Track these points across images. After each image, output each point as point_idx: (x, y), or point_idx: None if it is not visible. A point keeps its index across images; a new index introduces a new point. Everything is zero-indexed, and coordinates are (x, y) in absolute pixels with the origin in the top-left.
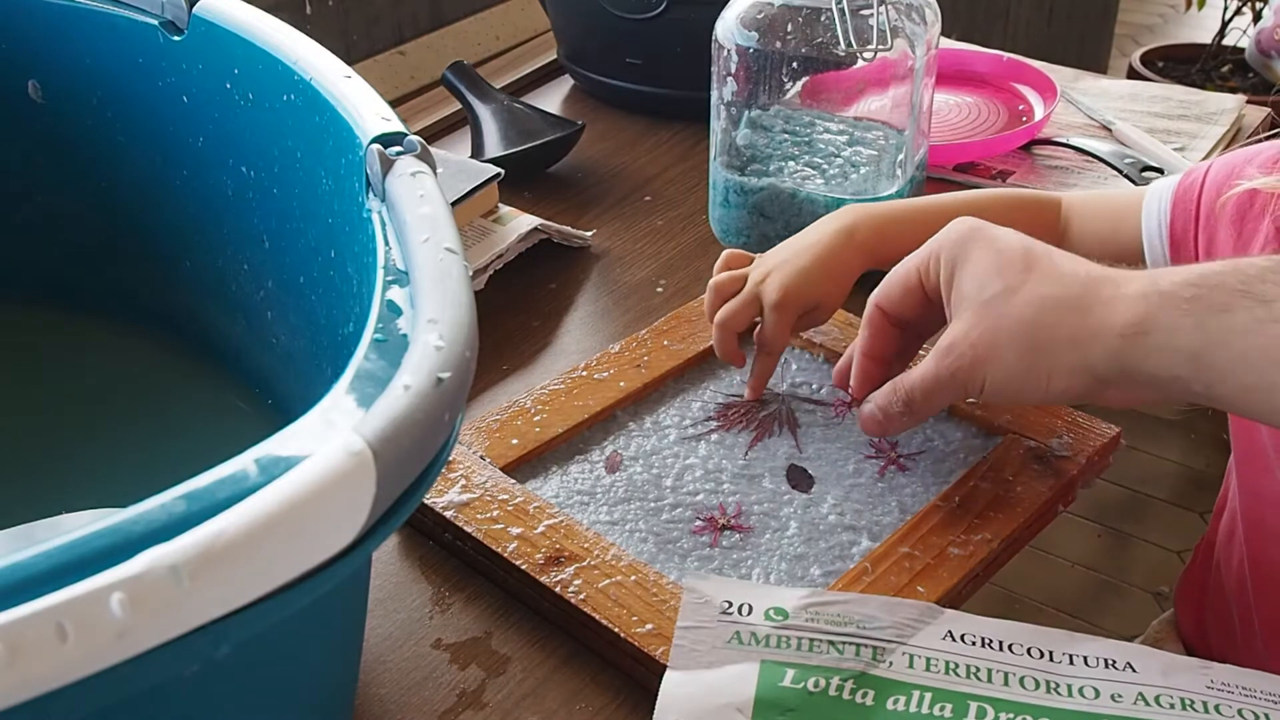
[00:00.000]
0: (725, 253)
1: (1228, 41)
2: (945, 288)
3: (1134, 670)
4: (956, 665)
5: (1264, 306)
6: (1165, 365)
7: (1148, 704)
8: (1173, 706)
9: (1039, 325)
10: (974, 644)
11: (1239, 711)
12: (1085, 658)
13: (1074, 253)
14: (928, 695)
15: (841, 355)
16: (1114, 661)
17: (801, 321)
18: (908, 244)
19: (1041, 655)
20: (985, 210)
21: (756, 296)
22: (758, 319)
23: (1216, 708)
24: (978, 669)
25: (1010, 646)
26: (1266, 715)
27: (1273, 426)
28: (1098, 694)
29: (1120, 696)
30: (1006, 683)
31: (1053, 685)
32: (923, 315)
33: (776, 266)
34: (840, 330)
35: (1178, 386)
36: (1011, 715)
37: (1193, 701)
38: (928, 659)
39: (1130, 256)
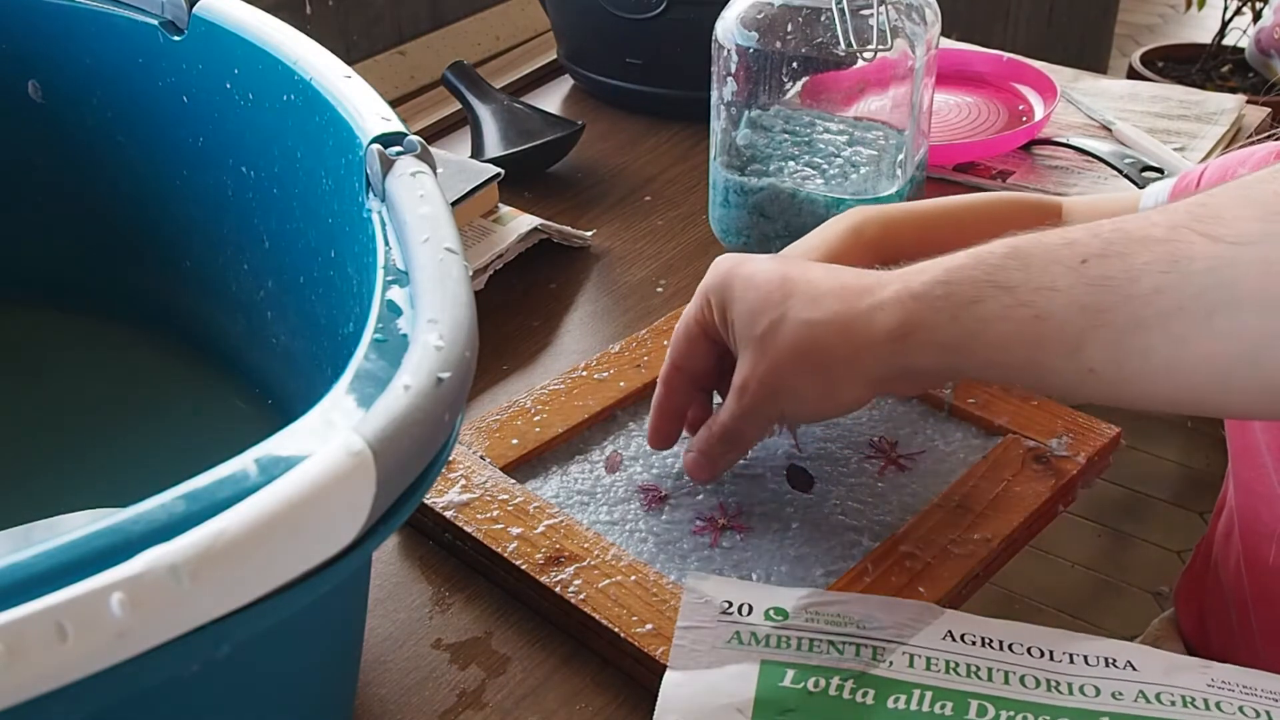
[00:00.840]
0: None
1: (1228, 41)
2: (723, 329)
3: (1134, 669)
4: (957, 664)
5: (1008, 293)
6: (934, 359)
7: (1148, 701)
8: (1174, 704)
9: (812, 350)
10: (974, 644)
11: (1240, 708)
12: (1085, 656)
13: None
14: (928, 694)
15: None
16: (1114, 660)
17: None
18: (914, 243)
19: (1042, 654)
20: (987, 213)
21: None
22: None
23: (1218, 705)
24: (978, 668)
25: (1010, 646)
26: (1268, 713)
27: (1044, 396)
28: (1098, 692)
29: (1121, 694)
30: (1007, 681)
31: (1053, 684)
32: (716, 360)
33: None
34: None
35: (951, 373)
36: (1012, 714)
37: (1193, 699)
38: (928, 658)
39: None
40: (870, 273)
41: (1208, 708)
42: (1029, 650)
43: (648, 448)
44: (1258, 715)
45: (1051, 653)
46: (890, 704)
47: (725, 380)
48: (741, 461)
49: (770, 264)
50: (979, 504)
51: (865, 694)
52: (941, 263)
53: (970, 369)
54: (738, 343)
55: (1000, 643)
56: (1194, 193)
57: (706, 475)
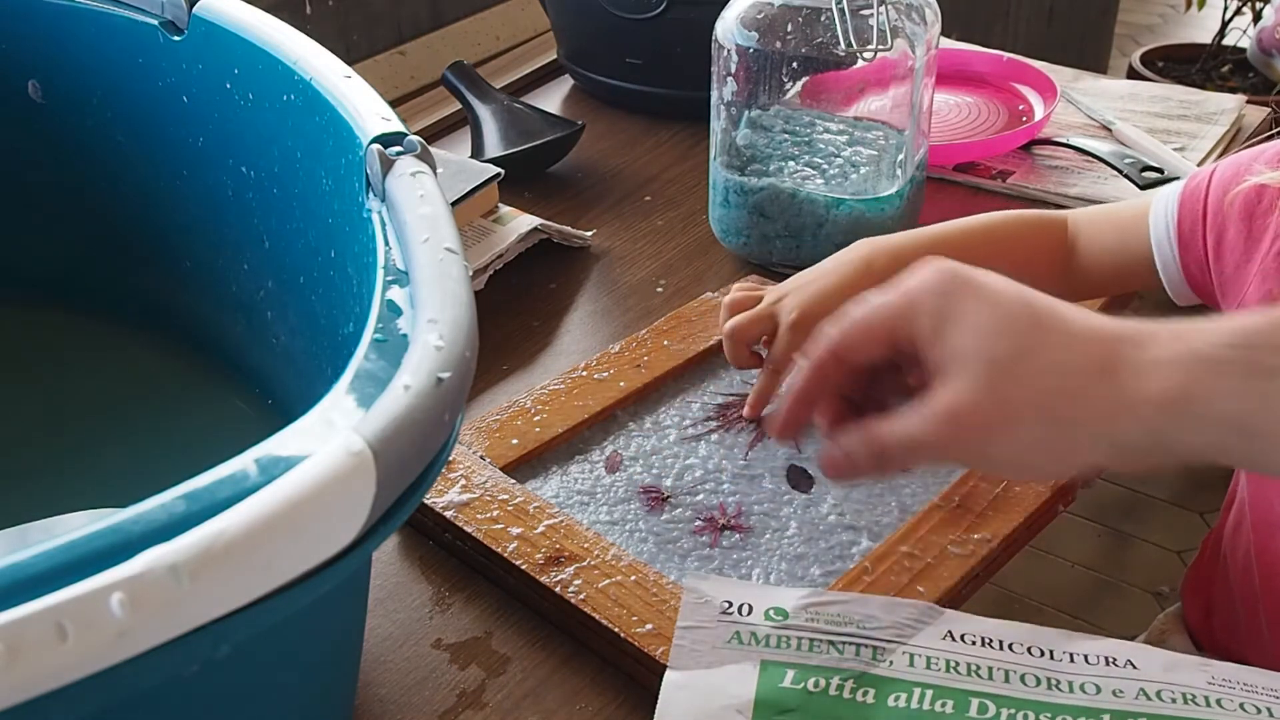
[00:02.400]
0: (736, 285)
1: (1228, 41)
2: (928, 342)
3: (1135, 667)
4: (957, 664)
5: None
6: (1206, 436)
7: (1149, 699)
8: (1174, 701)
9: (1061, 395)
10: (974, 643)
11: (1240, 705)
12: (1086, 655)
13: (1086, 268)
14: (928, 692)
15: None
16: (1114, 659)
17: None
18: None
19: (1042, 654)
20: (994, 235)
21: (772, 314)
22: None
23: (1219, 702)
24: (978, 667)
25: (1010, 645)
26: (1269, 710)
27: None
28: (1099, 690)
29: (1121, 692)
30: (1007, 680)
31: (1054, 682)
32: (877, 362)
33: (794, 290)
34: None
35: (1213, 454)
36: (1012, 711)
37: (1194, 696)
38: (928, 658)
39: (1140, 265)
40: (1127, 321)
41: (1209, 704)
42: (1029, 649)
43: (648, 447)
44: (1259, 712)
45: (1052, 652)
46: (890, 702)
47: (876, 387)
48: (741, 461)
49: (1011, 286)
50: (979, 504)
51: (865, 693)
52: (1228, 323)
53: (1243, 454)
54: (949, 361)
55: (1000, 642)
56: (1205, 190)
57: (838, 476)
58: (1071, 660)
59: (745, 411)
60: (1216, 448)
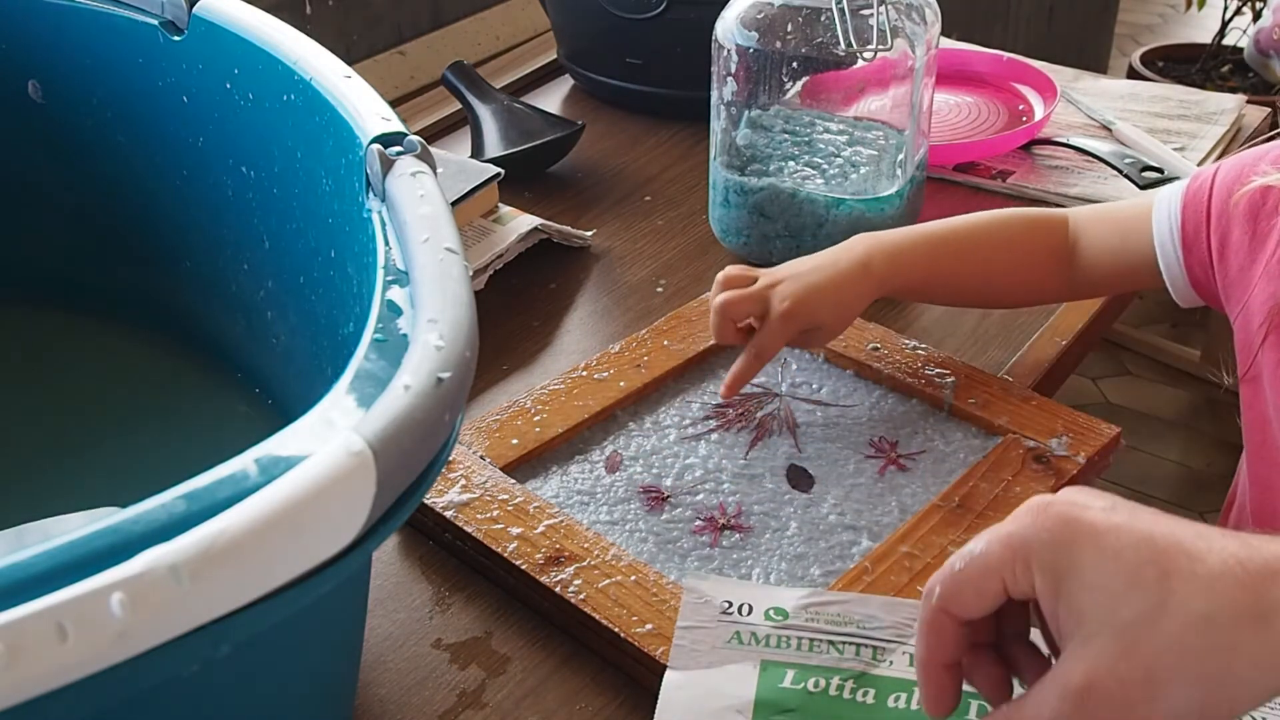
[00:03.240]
0: (729, 267)
1: (1228, 41)
2: (1048, 601)
3: None
4: None
5: None
6: None
7: None
8: None
9: (1210, 652)
10: None
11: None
12: None
13: (1087, 268)
14: None
15: (841, 356)
16: None
17: (800, 338)
18: (923, 274)
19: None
20: (994, 236)
21: (765, 296)
22: (752, 321)
23: None
24: None
25: None
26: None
27: None
28: None
29: None
30: None
31: None
32: (994, 612)
33: (790, 277)
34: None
35: None
36: None
37: None
38: None
39: (1142, 265)
40: (1263, 542)
41: None
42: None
43: (648, 447)
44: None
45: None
46: (891, 703)
47: (1008, 622)
48: (741, 461)
49: (1125, 522)
50: (979, 504)
51: (865, 693)
52: None
53: None
54: (1077, 626)
55: None
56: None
57: None
58: None
59: (721, 391)
60: None
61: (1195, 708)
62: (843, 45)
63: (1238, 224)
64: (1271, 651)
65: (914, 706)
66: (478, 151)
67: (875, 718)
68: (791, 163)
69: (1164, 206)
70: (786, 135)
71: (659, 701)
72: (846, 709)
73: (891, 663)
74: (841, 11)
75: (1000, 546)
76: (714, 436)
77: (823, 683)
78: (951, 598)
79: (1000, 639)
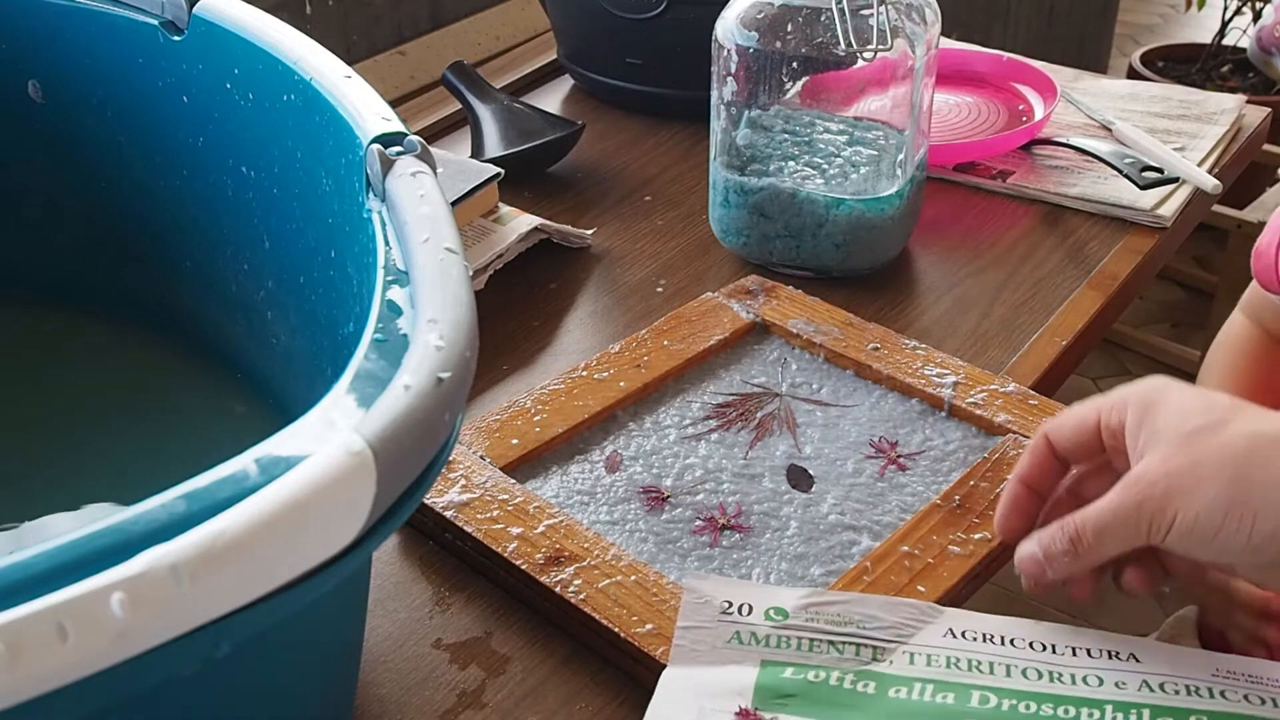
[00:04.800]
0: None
1: (1228, 41)
2: (1132, 432)
3: (1138, 661)
4: (958, 660)
5: None
6: None
7: (1152, 690)
8: (1177, 693)
9: (1251, 458)
10: (975, 639)
11: (1244, 696)
12: (1089, 649)
13: None
14: (929, 686)
15: (841, 356)
16: (1117, 653)
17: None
18: None
19: (1044, 648)
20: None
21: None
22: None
23: (1222, 693)
24: (979, 662)
25: (1012, 641)
26: (1274, 700)
27: None
28: (1101, 682)
29: (1124, 684)
30: (1009, 674)
31: (1055, 675)
32: (1087, 460)
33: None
34: (840, 330)
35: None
36: (1014, 701)
37: (1197, 688)
38: (929, 656)
39: None
40: None
41: (1212, 695)
42: (1030, 644)
43: (648, 447)
44: (1263, 703)
45: (1054, 646)
46: (891, 694)
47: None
48: (741, 461)
49: (1206, 391)
50: (979, 504)
51: (866, 685)
52: None
53: None
54: (1150, 440)
55: (1001, 638)
56: None
57: (1035, 574)
58: (1074, 654)
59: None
60: None
61: (1222, 506)
62: (843, 45)
63: None
64: None
65: (915, 697)
66: (478, 151)
67: (876, 705)
68: (791, 163)
69: None
70: (786, 135)
71: (656, 692)
72: (847, 697)
73: (892, 662)
74: (841, 11)
75: (1103, 397)
76: (714, 436)
77: (823, 674)
78: (1055, 425)
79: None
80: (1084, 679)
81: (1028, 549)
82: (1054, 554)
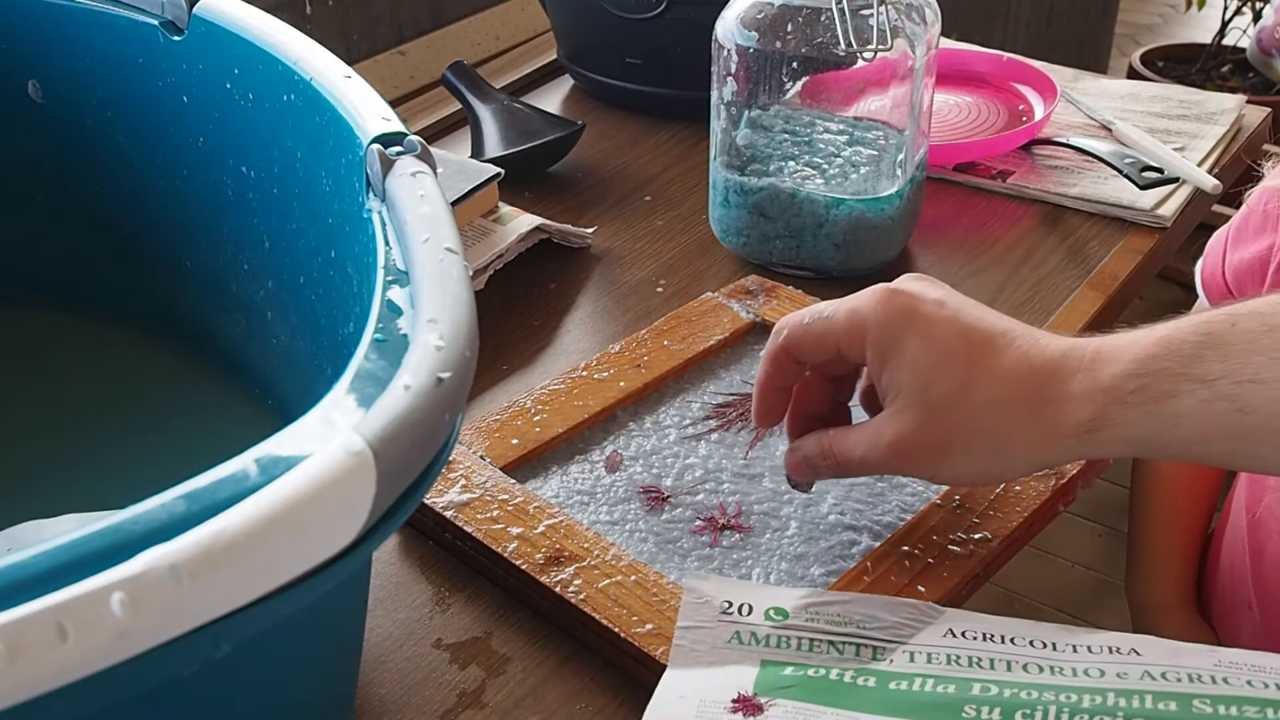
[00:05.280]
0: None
1: (1228, 41)
2: (874, 371)
3: (1139, 654)
4: (958, 657)
5: (1207, 387)
6: (1120, 452)
7: (1154, 679)
8: (1179, 680)
9: (991, 431)
10: (975, 638)
11: (1247, 681)
12: (1089, 646)
13: None
14: (929, 680)
15: None
16: (1118, 648)
17: None
18: None
19: (1044, 646)
20: None
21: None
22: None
23: (1225, 679)
24: (979, 659)
25: (1012, 639)
26: (1278, 685)
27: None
28: (1103, 673)
29: (1125, 674)
30: (1010, 669)
31: (1056, 669)
32: (830, 366)
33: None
34: None
35: (1132, 458)
36: (1015, 691)
37: (1199, 675)
38: (929, 654)
39: None
40: (1052, 341)
41: (1214, 682)
42: (1031, 643)
43: (648, 447)
44: (1265, 687)
45: (1054, 644)
46: (892, 686)
47: (840, 384)
48: (741, 461)
49: (949, 313)
50: (979, 504)
51: (866, 680)
52: (1129, 349)
53: (1160, 458)
54: (893, 394)
55: (1002, 636)
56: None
57: (805, 479)
58: (1074, 651)
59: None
60: (1129, 455)
61: (974, 471)
62: (843, 45)
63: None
64: (1037, 435)
65: (915, 688)
66: (478, 151)
67: (876, 696)
68: (791, 163)
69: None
70: (786, 135)
71: (656, 692)
72: (846, 688)
73: (892, 661)
74: (841, 11)
75: (844, 318)
76: (714, 436)
77: (823, 671)
78: (795, 343)
79: (829, 408)
80: (1085, 672)
81: (796, 458)
82: (819, 471)
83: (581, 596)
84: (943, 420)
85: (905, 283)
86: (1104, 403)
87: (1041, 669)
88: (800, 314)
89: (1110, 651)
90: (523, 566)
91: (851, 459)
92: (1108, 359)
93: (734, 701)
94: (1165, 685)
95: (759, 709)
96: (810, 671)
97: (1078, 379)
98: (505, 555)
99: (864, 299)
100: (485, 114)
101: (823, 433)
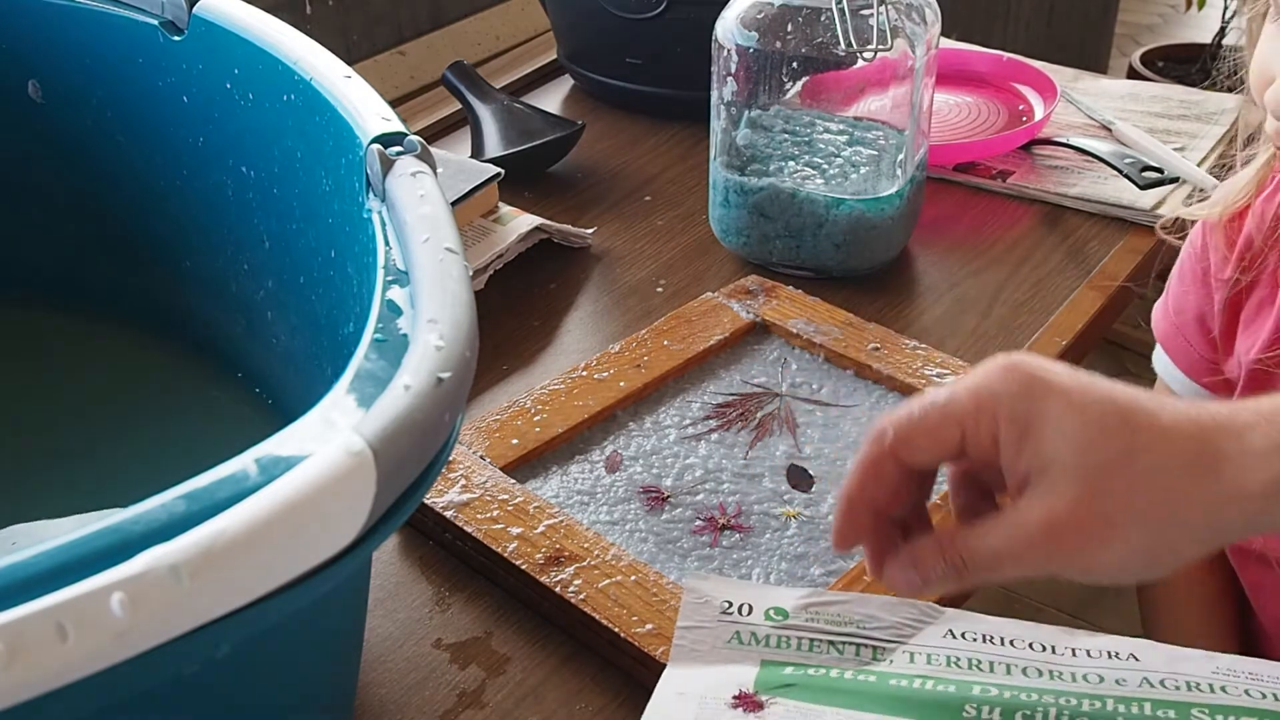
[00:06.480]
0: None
1: (1228, 41)
2: (1010, 449)
3: (1137, 660)
4: (957, 659)
5: None
6: None
7: (1152, 686)
8: (1178, 688)
9: (1166, 497)
10: (975, 640)
11: (1245, 691)
12: (1088, 650)
13: None
14: (929, 681)
15: (841, 356)
16: (1117, 653)
17: None
18: None
19: (1044, 649)
20: None
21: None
22: None
23: (1223, 688)
24: (979, 661)
25: (1011, 641)
26: (1275, 694)
27: None
28: (1102, 679)
29: (1124, 681)
30: (1009, 673)
31: (1055, 673)
32: (941, 463)
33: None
34: (840, 330)
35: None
36: (1015, 692)
37: (1198, 684)
38: (928, 655)
39: None
40: (1215, 406)
41: (1213, 690)
42: (1030, 645)
43: (648, 447)
44: (1264, 697)
45: (1054, 647)
46: (891, 684)
47: (916, 499)
48: (741, 461)
49: (1087, 380)
50: None
51: (866, 678)
52: None
53: None
54: (1042, 471)
55: (1001, 639)
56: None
57: (911, 589)
58: (1073, 654)
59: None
60: None
61: (1144, 549)
62: (843, 45)
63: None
64: (1216, 500)
65: (915, 686)
66: (478, 151)
67: (876, 695)
68: (791, 163)
69: None
70: (786, 135)
71: (655, 692)
72: (846, 687)
73: (892, 661)
74: (841, 11)
75: (968, 396)
76: (714, 436)
77: (823, 670)
78: (906, 442)
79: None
80: (1084, 676)
81: (902, 574)
82: (933, 576)
83: (581, 596)
84: (1104, 492)
85: (1016, 356)
86: None
87: (1041, 673)
88: (902, 411)
89: (1109, 656)
90: (523, 566)
91: (985, 554)
92: None
93: (734, 698)
94: (1164, 693)
95: (759, 706)
96: (810, 671)
97: (1258, 432)
98: (505, 555)
99: (982, 376)
100: (485, 114)
101: (931, 536)
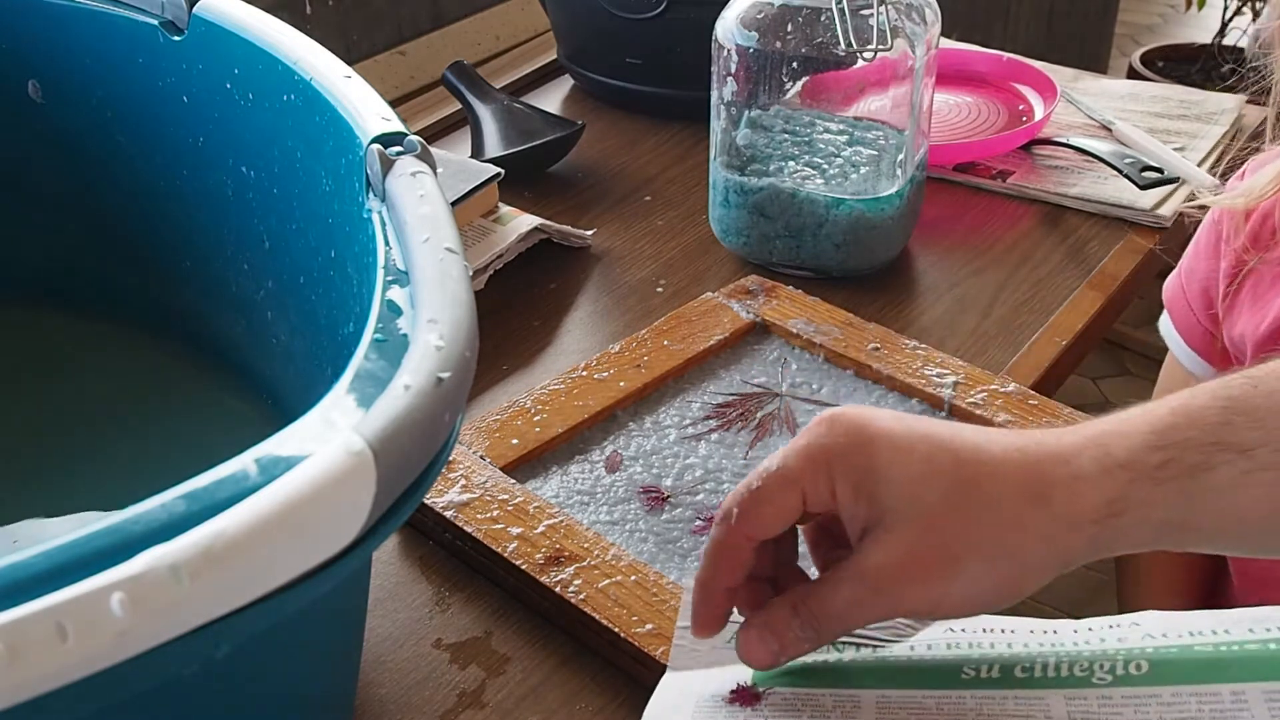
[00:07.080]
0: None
1: (1228, 41)
2: (848, 503)
3: (1138, 625)
4: (958, 643)
5: (1244, 457)
6: (1143, 539)
7: (1154, 638)
8: (1180, 637)
9: (1001, 529)
10: (975, 631)
11: (1249, 629)
12: (1089, 626)
13: None
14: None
15: (841, 356)
16: (1118, 624)
17: None
18: None
19: (1045, 633)
20: None
21: None
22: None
23: (1225, 630)
24: (979, 644)
25: (1013, 630)
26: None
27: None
28: (1104, 640)
29: (1125, 638)
30: (1010, 648)
31: (1057, 643)
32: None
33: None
34: (840, 330)
35: (1154, 547)
36: (1014, 653)
37: (1200, 630)
38: (928, 645)
39: None
40: (1043, 433)
41: (1215, 634)
42: (1030, 630)
43: (648, 447)
44: (1268, 631)
45: (1055, 630)
46: (889, 660)
47: (784, 558)
48: (741, 461)
49: (912, 422)
50: None
51: (864, 661)
52: (1140, 421)
53: (1189, 545)
54: (876, 522)
55: (1001, 630)
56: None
57: (770, 661)
58: (1075, 633)
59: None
60: (1155, 543)
61: (990, 583)
62: (843, 45)
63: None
64: (1052, 527)
65: (914, 655)
66: (478, 151)
67: (873, 668)
68: (791, 163)
69: None
70: (786, 135)
71: (655, 692)
72: (844, 667)
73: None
74: (841, 11)
75: (799, 458)
76: (714, 436)
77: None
78: (751, 517)
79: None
80: (1085, 641)
81: (758, 638)
82: (790, 643)
83: (581, 596)
84: (940, 528)
85: (839, 409)
86: (1126, 480)
87: (1043, 645)
88: (740, 487)
89: (1109, 627)
90: (522, 566)
91: (836, 608)
92: (1117, 433)
93: (732, 693)
94: (1165, 643)
95: (757, 698)
96: (809, 660)
97: (1086, 455)
98: (505, 555)
99: (811, 434)
100: (485, 114)
101: (783, 597)
